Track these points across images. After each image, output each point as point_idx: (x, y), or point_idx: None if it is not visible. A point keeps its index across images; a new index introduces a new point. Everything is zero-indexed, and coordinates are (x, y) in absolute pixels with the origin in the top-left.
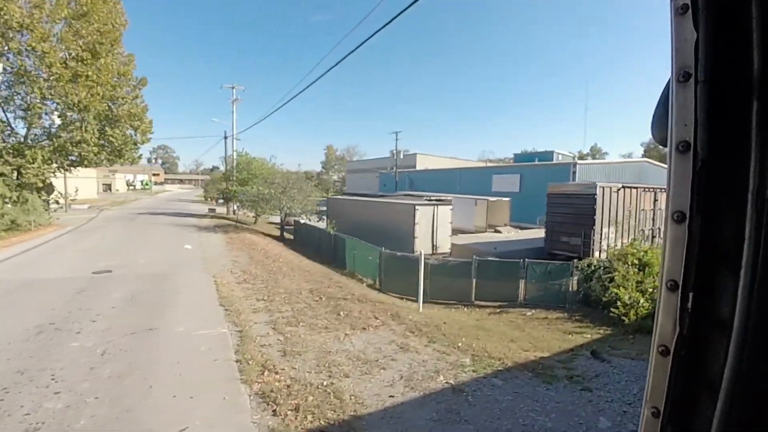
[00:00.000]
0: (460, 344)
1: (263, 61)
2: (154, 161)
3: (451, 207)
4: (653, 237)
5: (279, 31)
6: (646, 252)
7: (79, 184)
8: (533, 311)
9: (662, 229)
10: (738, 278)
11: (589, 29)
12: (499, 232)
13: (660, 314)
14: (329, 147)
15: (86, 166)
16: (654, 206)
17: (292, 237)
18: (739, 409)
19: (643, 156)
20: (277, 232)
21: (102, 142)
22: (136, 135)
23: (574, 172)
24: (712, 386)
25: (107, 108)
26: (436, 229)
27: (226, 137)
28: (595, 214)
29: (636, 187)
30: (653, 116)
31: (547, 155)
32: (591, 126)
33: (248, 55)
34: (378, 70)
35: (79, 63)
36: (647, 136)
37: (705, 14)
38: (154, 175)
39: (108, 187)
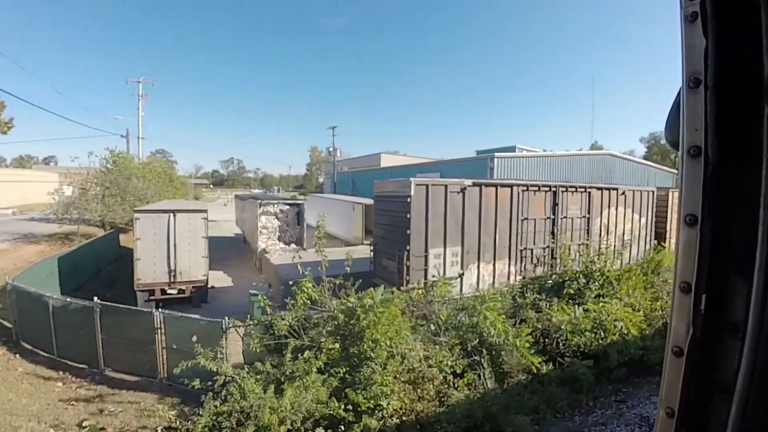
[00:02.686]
0: None
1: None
2: None
3: (204, 216)
4: (552, 258)
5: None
6: (379, 304)
7: (35, 187)
8: (159, 400)
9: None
10: (751, 282)
11: (599, 34)
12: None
13: (673, 315)
14: (314, 148)
15: None
16: (555, 212)
17: None
18: (754, 411)
19: (646, 154)
20: None
21: None
22: None
23: (492, 168)
24: (726, 388)
25: None
26: (175, 247)
27: (125, 136)
28: (408, 227)
29: (511, 185)
30: (666, 120)
31: (509, 150)
32: (597, 124)
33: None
34: (378, 72)
35: None
36: (646, 131)
37: (714, 22)
38: None
39: None
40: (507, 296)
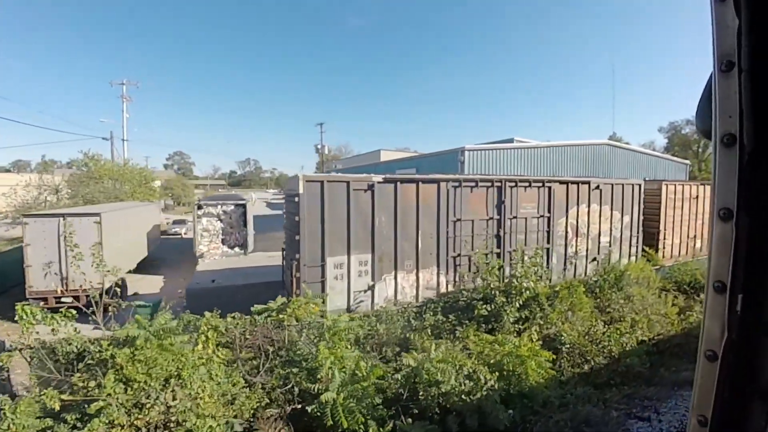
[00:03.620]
0: None
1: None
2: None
3: (96, 220)
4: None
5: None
6: (153, 335)
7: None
8: None
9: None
10: None
11: (618, 20)
12: None
13: (707, 317)
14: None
15: None
16: (501, 212)
17: None
18: None
19: (667, 146)
20: None
21: None
22: None
23: (462, 162)
24: (764, 394)
25: None
26: (66, 253)
27: (108, 138)
28: (298, 232)
29: (438, 181)
30: (697, 107)
31: (507, 142)
32: (617, 118)
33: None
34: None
35: None
36: (665, 120)
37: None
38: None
39: None
40: (397, 318)
